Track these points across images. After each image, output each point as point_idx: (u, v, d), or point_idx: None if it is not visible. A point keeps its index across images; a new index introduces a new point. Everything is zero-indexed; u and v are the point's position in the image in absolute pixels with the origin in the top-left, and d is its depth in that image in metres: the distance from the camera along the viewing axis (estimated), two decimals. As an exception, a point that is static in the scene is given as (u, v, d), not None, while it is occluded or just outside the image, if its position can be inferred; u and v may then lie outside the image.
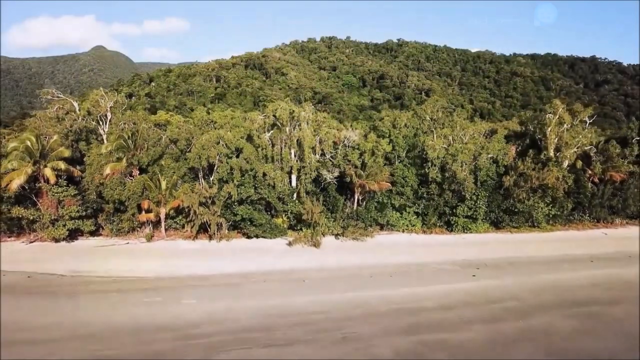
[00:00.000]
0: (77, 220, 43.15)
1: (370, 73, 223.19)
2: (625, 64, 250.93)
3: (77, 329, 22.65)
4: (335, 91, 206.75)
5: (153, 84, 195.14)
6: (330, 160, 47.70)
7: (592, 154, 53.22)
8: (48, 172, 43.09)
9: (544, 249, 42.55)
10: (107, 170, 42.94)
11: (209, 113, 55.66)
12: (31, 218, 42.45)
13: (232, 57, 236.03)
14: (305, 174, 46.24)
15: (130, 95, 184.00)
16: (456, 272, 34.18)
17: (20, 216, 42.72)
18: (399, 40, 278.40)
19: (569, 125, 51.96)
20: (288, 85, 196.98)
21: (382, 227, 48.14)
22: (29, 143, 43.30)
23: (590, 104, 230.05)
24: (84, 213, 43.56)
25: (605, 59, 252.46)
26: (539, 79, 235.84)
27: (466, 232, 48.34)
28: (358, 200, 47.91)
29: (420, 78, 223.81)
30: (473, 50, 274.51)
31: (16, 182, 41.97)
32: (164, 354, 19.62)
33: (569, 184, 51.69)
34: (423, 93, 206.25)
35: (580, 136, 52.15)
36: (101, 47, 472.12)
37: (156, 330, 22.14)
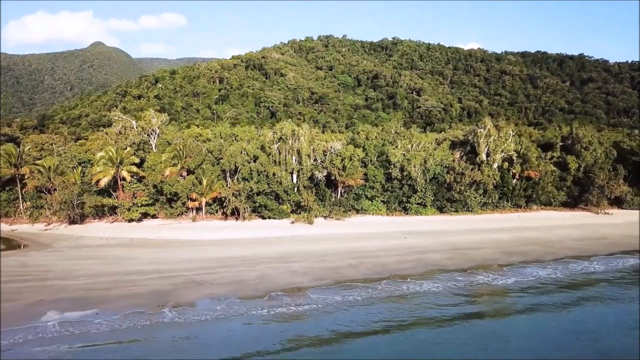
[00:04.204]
0: (145, 207, 65.72)
1: (365, 72, 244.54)
2: (612, 62, 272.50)
3: (183, 258, 44.95)
4: (332, 91, 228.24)
5: (159, 85, 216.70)
6: (321, 164, 70.06)
7: (514, 158, 75.40)
8: (125, 173, 65.51)
9: (466, 225, 64.84)
10: (167, 172, 65.27)
11: (233, 126, 77.78)
12: (116, 205, 64.96)
13: (233, 57, 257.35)
14: (303, 174, 68.59)
15: (139, 97, 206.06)
16: (398, 236, 56.47)
17: (106, 204, 65.22)
18: (393, 38, 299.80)
19: (496, 137, 74.24)
20: (287, 86, 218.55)
21: (357, 211, 70.58)
22: (111, 153, 65.55)
23: (573, 101, 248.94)
24: (150, 202, 66.14)
25: (592, 57, 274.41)
26: (527, 77, 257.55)
27: (418, 215, 70.85)
28: (340, 192, 70.39)
29: (413, 77, 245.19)
30: (466, 48, 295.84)
31: (104, 180, 64.56)
32: (234, 265, 41.93)
33: (497, 180, 74.20)
34: (414, 92, 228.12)
35: (505, 145, 74.54)
36: (100, 43, 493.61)
37: (225, 258, 44.45)
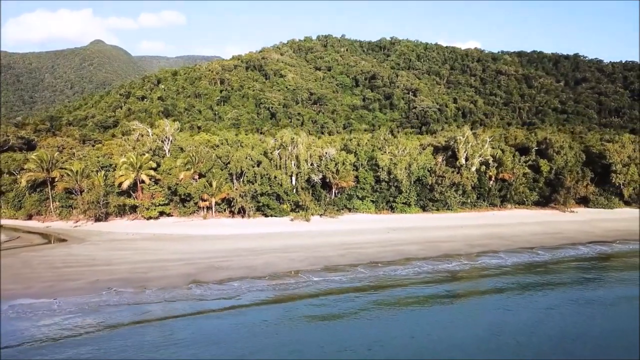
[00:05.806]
0: (162, 206, 76.18)
1: (363, 73, 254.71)
2: (606, 62, 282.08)
3: (201, 249, 55.34)
4: (330, 91, 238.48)
5: (162, 86, 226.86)
6: (317, 168, 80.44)
7: (490, 162, 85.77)
8: (144, 176, 75.89)
9: (445, 222, 75.32)
10: (181, 176, 75.66)
11: (235, 127, 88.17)
12: (136, 205, 75.41)
13: (233, 58, 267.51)
14: (301, 177, 78.99)
15: (142, 98, 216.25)
16: (383, 232, 67.00)
17: (127, 204, 75.59)
18: (392, 38, 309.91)
19: (474, 143, 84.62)
20: (286, 87, 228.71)
21: (349, 210, 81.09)
22: (132, 159, 75.85)
23: (566, 101, 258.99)
24: (166, 202, 76.60)
25: (586, 57, 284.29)
26: (522, 77, 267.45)
27: (403, 213, 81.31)
28: (334, 192, 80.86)
29: (410, 77, 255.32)
30: (464, 47, 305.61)
31: (126, 183, 74.96)
32: (244, 255, 52.35)
33: (474, 181, 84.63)
34: (411, 93, 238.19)
35: (482, 150, 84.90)
36: (100, 42, 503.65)
37: (236, 249, 54.85)
